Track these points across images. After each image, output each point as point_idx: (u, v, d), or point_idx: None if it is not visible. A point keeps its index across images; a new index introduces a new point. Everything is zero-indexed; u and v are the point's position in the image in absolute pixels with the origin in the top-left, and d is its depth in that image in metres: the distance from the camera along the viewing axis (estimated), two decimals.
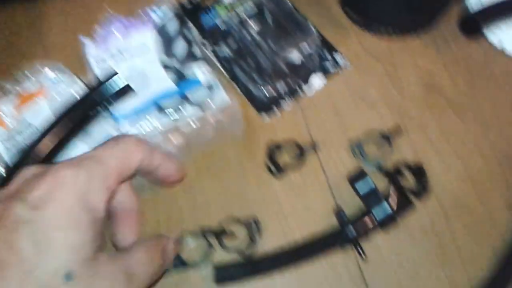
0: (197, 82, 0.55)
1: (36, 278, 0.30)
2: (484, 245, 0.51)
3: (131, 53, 0.56)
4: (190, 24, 0.60)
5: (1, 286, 0.29)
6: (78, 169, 0.34)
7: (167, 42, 0.57)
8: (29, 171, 0.35)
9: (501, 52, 0.61)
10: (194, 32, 0.60)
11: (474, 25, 0.57)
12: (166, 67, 0.56)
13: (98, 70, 0.55)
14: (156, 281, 0.40)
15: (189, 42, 0.58)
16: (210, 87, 0.55)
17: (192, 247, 0.50)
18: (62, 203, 0.32)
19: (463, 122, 0.57)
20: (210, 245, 0.49)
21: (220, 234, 0.50)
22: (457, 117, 0.57)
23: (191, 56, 0.57)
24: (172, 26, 0.58)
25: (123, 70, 0.55)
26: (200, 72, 0.55)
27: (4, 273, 0.29)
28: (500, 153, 0.55)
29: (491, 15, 0.57)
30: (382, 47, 0.62)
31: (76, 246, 0.32)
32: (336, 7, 0.65)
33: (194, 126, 0.54)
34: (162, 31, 0.58)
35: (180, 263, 0.49)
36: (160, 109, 0.54)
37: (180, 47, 0.57)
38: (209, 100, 0.54)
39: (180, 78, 0.56)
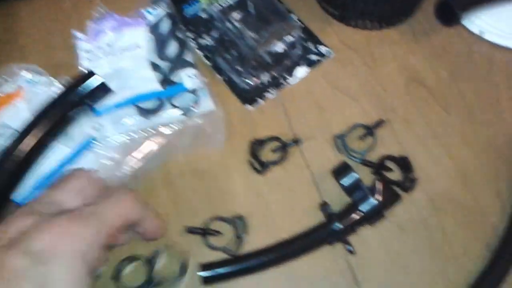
0: (183, 87, 0.54)
1: None
2: (475, 237, 0.50)
3: (121, 50, 0.55)
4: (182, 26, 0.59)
5: None
6: (83, 226, 0.34)
7: (159, 42, 0.57)
8: (24, 219, 0.34)
9: (481, 41, 0.61)
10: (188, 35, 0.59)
11: (450, 11, 0.57)
12: (155, 67, 0.55)
13: (87, 64, 0.55)
14: None
15: (181, 45, 0.57)
16: (196, 93, 0.54)
17: (165, 262, 0.49)
18: (67, 260, 0.32)
19: (447, 113, 0.57)
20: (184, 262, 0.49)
21: (206, 233, 0.50)
22: (441, 108, 0.57)
23: (181, 60, 0.56)
24: (165, 26, 0.57)
25: (110, 66, 0.54)
26: (187, 77, 0.55)
27: None
28: (486, 143, 0.55)
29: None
30: (360, 39, 0.61)
31: None
32: (312, 1, 0.64)
33: (176, 129, 0.53)
34: (154, 31, 0.57)
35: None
36: (142, 109, 0.53)
37: (171, 49, 0.57)
38: (193, 106, 0.54)
39: (167, 80, 0.55)
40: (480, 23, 0.60)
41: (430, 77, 0.59)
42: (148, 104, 0.54)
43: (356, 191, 0.49)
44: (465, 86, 0.58)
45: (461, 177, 0.53)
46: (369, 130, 0.54)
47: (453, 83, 0.58)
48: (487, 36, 0.60)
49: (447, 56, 0.60)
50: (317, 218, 0.51)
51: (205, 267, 0.47)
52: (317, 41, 0.60)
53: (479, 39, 0.61)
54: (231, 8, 0.58)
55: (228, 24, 0.57)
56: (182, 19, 0.59)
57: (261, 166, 0.53)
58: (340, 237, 0.49)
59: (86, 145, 0.52)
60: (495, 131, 0.56)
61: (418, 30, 0.62)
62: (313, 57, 0.59)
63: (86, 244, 0.34)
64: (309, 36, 0.61)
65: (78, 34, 0.56)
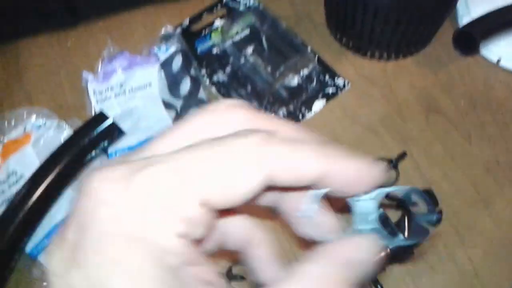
0: None
1: None
2: (504, 269, 0.48)
3: (133, 90, 0.54)
4: (196, 64, 0.58)
5: None
6: None
7: (171, 80, 0.55)
8: None
9: (500, 69, 0.60)
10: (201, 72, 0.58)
11: (469, 40, 0.56)
12: (167, 106, 0.53)
13: (98, 106, 0.53)
14: None
15: (194, 82, 0.55)
16: None
17: None
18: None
19: (468, 143, 0.55)
20: None
21: (229, 278, 0.48)
22: (462, 137, 0.55)
23: (194, 97, 0.54)
24: (177, 63, 0.56)
25: (122, 107, 0.53)
26: None
27: None
28: (508, 171, 0.53)
29: (483, 26, 0.56)
30: (376, 70, 0.60)
31: None
32: (326, 32, 0.63)
33: None
34: (166, 68, 0.55)
35: None
36: None
37: (184, 86, 0.55)
38: None
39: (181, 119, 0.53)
40: (498, 50, 0.59)
41: (449, 107, 0.57)
42: None
43: (383, 227, 0.47)
44: (485, 115, 0.57)
45: (487, 208, 0.51)
46: (392, 163, 0.52)
47: (473, 112, 0.57)
48: (505, 63, 0.59)
49: (465, 86, 0.59)
50: None
51: None
52: (333, 74, 0.59)
53: (497, 67, 0.60)
54: (244, 42, 0.57)
55: (242, 59, 0.56)
56: (195, 55, 0.58)
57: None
58: (371, 278, 0.46)
59: None
60: None
61: (435, 60, 0.61)
62: (330, 89, 0.58)
63: None
64: (325, 68, 0.59)
65: (87, 75, 0.55)
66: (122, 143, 0.51)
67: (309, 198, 0.22)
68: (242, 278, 0.48)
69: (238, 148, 0.20)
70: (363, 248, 0.22)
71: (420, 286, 0.48)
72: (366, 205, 0.22)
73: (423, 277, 0.48)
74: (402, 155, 0.53)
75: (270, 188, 0.21)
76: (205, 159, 0.20)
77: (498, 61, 0.59)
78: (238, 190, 0.20)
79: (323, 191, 0.22)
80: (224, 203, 0.20)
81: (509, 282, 0.48)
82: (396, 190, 0.22)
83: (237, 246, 0.27)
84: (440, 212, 0.50)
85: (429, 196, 0.51)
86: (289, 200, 0.24)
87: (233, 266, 0.48)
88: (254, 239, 0.27)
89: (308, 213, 0.23)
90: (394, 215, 0.48)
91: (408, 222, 0.48)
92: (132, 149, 0.51)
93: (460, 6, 0.62)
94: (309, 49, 0.55)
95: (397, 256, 0.47)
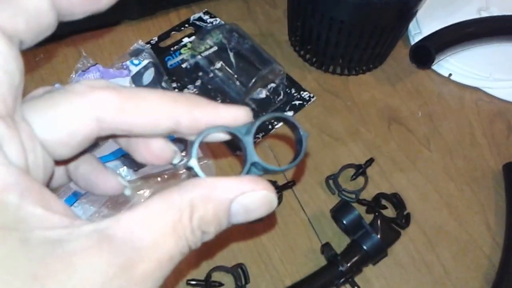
0: (171, 136, 0.53)
1: None
2: (473, 269, 0.51)
3: None
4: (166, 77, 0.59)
5: None
6: None
7: None
8: None
9: (451, 83, 0.64)
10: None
11: (425, 54, 0.60)
12: None
13: None
14: None
15: None
16: (183, 142, 0.53)
17: None
18: None
19: (428, 150, 0.58)
20: None
21: (207, 285, 0.47)
22: (423, 145, 0.58)
23: None
24: (148, 76, 0.56)
25: None
26: None
27: None
28: (468, 176, 0.56)
29: (437, 40, 0.60)
30: (338, 84, 0.63)
31: None
32: (289, 50, 0.66)
33: (165, 177, 0.51)
34: (137, 80, 0.55)
35: None
36: (130, 161, 0.51)
37: None
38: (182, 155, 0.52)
39: None
40: (448, 65, 0.64)
41: (409, 117, 0.60)
42: None
43: (357, 229, 0.49)
44: (441, 124, 0.60)
45: (450, 211, 0.54)
46: (361, 169, 0.54)
47: (430, 122, 0.60)
48: (455, 77, 0.63)
49: (421, 98, 0.62)
50: (318, 261, 0.49)
51: None
52: (299, 87, 0.61)
53: (448, 81, 0.64)
54: (213, 58, 0.58)
55: (211, 74, 0.57)
56: (165, 70, 0.59)
57: None
58: (347, 278, 0.47)
59: (72, 199, 0.48)
60: (475, 165, 0.57)
61: (392, 75, 0.64)
62: (297, 102, 0.60)
63: None
64: (291, 82, 0.61)
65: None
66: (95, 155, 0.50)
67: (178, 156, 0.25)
68: (220, 284, 0.48)
69: (73, 89, 0.21)
70: (222, 186, 0.21)
71: (394, 287, 0.49)
72: (247, 140, 0.24)
73: (396, 278, 0.50)
74: (370, 161, 0.55)
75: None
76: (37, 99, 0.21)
77: (450, 75, 0.63)
78: (64, 127, 0.21)
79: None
80: (52, 138, 0.20)
81: (477, 280, 0.50)
82: (264, 118, 0.24)
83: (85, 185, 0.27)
84: (408, 216, 0.52)
85: (397, 200, 0.53)
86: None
87: (212, 271, 0.48)
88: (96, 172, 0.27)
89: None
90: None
91: (382, 224, 0.49)
92: (105, 160, 0.50)
93: (412, 26, 0.67)
94: (279, 64, 0.57)
95: (373, 256, 0.48)
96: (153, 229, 0.19)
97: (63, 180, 0.26)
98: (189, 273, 0.48)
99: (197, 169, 0.23)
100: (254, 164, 0.24)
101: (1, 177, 0.17)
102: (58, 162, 0.22)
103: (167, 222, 0.19)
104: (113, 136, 0.24)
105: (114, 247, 0.18)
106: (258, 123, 0.24)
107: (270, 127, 0.57)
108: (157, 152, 0.25)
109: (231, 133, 0.24)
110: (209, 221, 0.21)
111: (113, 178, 0.27)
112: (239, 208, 0.22)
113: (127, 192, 0.27)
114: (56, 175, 0.25)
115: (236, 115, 0.24)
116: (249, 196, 0.22)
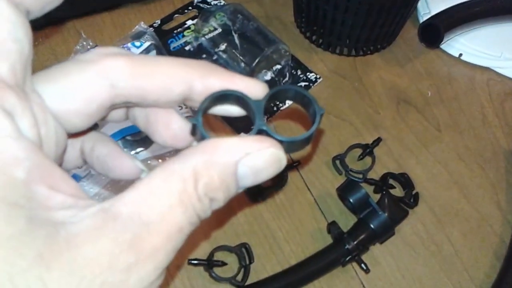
0: None
1: None
2: (482, 247, 0.50)
3: None
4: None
5: None
6: None
7: None
8: None
9: (462, 63, 0.62)
10: None
11: (432, 32, 0.58)
12: None
13: None
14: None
15: None
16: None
17: None
18: None
19: (438, 130, 0.57)
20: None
21: (209, 264, 0.46)
22: (431, 125, 0.57)
23: None
24: None
25: None
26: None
27: None
28: (478, 156, 0.55)
29: (446, 18, 0.59)
30: (346, 66, 0.62)
31: None
32: (295, 31, 0.65)
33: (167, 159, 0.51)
34: None
35: None
36: (130, 142, 0.51)
37: None
38: None
39: None
40: (458, 46, 0.62)
41: (418, 97, 0.59)
42: (135, 137, 0.51)
43: (364, 207, 0.48)
44: (451, 104, 0.59)
45: (460, 190, 0.53)
46: (369, 149, 0.53)
47: (440, 102, 0.59)
48: (466, 57, 0.62)
49: (430, 78, 0.61)
50: (324, 241, 0.49)
51: None
52: (305, 69, 0.60)
53: (458, 61, 0.62)
54: (217, 40, 0.58)
55: (215, 56, 0.56)
56: (168, 52, 0.59)
57: (260, 195, 0.51)
58: (354, 256, 0.46)
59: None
60: (485, 145, 0.56)
61: (401, 55, 0.63)
62: (303, 83, 0.59)
63: None
64: (297, 64, 0.61)
65: None
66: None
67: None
68: (223, 263, 0.47)
69: (84, 58, 0.21)
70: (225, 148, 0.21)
71: (402, 266, 0.48)
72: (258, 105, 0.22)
73: (405, 257, 0.49)
74: (377, 141, 0.54)
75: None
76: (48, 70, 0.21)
77: (460, 55, 0.62)
78: (78, 95, 0.20)
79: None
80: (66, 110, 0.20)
81: (488, 259, 0.49)
82: (280, 88, 0.23)
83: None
84: (416, 195, 0.51)
85: (405, 180, 0.52)
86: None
87: (215, 251, 0.47)
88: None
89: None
90: None
91: (390, 203, 0.48)
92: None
93: (420, 5, 0.66)
94: (284, 46, 0.57)
95: (380, 234, 0.47)
96: (158, 202, 0.19)
97: (78, 162, 0.26)
98: (191, 253, 0.47)
99: (201, 128, 0.22)
100: (260, 132, 0.23)
101: (12, 151, 0.17)
102: (71, 135, 0.22)
103: (172, 193, 0.19)
104: (127, 105, 0.24)
105: (119, 224, 0.18)
106: (273, 91, 0.23)
107: (275, 109, 0.57)
108: (177, 131, 0.24)
109: (242, 100, 0.23)
110: (216, 187, 0.20)
111: (130, 162, 0.26)
112: (246, 170, 0.21)
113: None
114: (71, 157, 0.25)
115: (251, 87, 0.23)
116: (256, 156, 0.21)
